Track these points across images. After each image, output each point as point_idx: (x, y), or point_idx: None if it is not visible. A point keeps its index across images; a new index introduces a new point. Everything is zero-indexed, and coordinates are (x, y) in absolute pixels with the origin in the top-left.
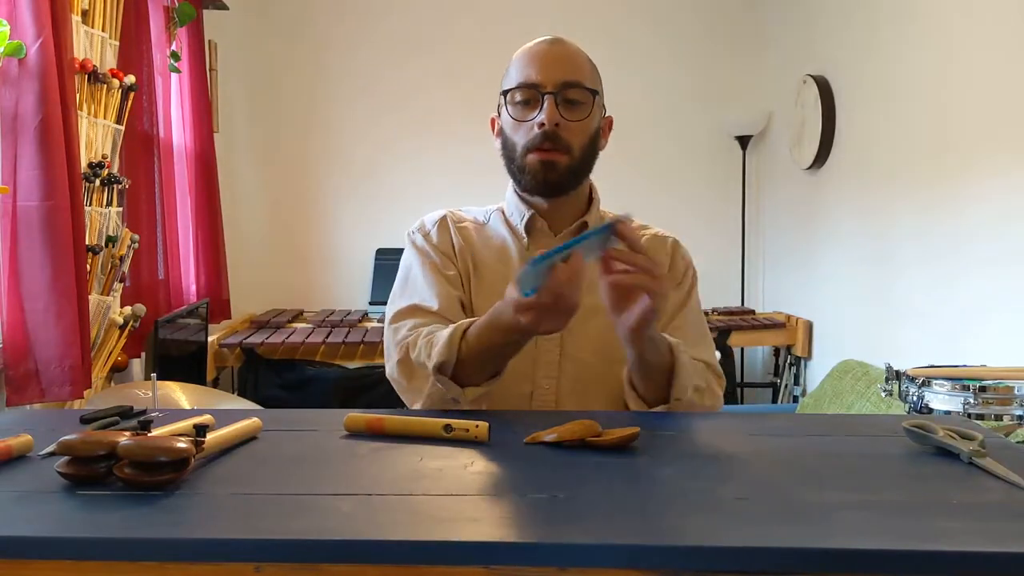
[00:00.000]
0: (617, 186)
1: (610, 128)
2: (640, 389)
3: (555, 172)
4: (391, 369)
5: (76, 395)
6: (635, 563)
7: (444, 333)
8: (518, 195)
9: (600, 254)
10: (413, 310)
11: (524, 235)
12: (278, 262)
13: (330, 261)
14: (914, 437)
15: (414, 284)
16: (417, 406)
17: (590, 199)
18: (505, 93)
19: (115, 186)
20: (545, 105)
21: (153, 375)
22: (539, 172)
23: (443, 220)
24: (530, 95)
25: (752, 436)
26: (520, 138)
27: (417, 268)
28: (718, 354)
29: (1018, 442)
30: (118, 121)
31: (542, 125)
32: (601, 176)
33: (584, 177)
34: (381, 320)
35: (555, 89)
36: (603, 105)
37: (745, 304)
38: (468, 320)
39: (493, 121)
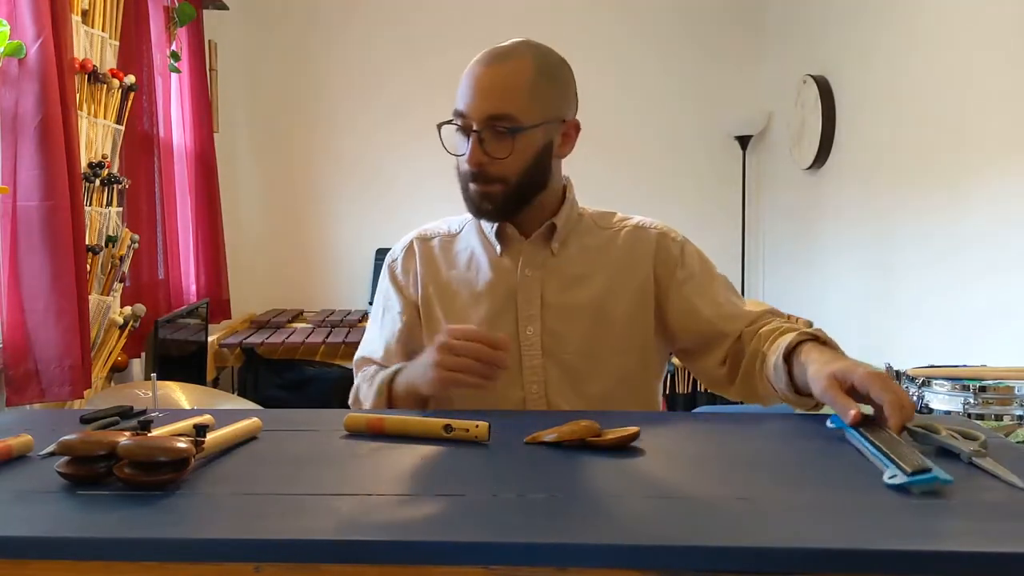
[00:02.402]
0: (617, 186)
1: (577, 132)
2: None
3: (491, 202)
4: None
5: (76, 395)
6: (635, 563)
7: (377, 381)
8: None
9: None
10: (365, 362)
11: (496, 243)
12: (278, 262)
13: (330, 261)
14: (915, 437)
15: (375, 329)
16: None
17: (562, 199)
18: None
19: (115, 186)
20: (469, 145)
21: (153, 375)
22: (477, 202)
23: (410, 247)
24: (463, 124)
25: (752, 436)
26: (460, 165)
27: (379, 312)
28: None
29: (1018, 442)
30: (118, 121)
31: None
32: (600, 176)
33: (533, 194)
34: None
35: (480, 126)
36: (557, 119)
37: None
38: (394, 369)
39: None
